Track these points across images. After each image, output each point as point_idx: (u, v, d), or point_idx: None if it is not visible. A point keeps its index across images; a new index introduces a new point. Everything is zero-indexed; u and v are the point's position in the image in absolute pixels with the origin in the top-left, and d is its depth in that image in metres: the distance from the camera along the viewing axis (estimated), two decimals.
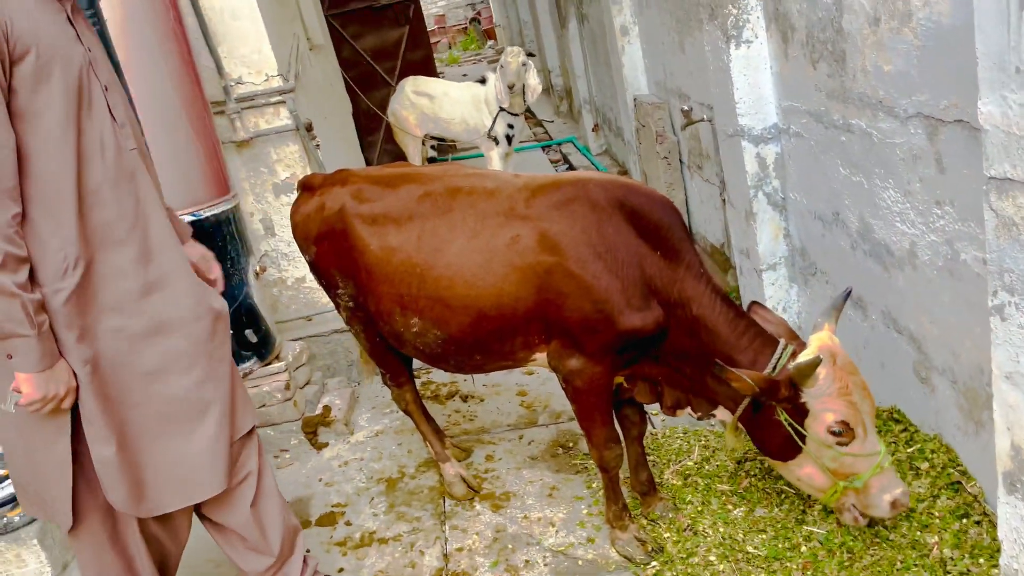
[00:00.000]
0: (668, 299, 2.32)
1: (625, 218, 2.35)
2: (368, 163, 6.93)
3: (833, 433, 2.11)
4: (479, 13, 20.46)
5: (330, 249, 2.77)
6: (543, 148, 8.80)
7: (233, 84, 3.86)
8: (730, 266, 4.29)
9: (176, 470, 2.05)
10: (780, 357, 2.18)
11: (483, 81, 5.63)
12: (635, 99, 5.35)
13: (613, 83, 6.00)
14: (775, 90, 3.23)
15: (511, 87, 5.20)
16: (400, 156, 6.49)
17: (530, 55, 5.46)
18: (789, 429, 2.17)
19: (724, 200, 4.05)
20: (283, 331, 4.03)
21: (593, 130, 7.74)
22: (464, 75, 14.71)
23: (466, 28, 20.77)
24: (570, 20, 7.51)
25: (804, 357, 2.06)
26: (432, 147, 6.08)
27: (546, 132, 9.57)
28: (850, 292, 2.21)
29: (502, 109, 5.43)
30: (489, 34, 19.05)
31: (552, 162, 8.31)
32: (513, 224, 2.44)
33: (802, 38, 2.86)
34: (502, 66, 5.28)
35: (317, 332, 4.09)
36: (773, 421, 2.20)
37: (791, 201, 3.33)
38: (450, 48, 20.43)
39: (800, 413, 2.14)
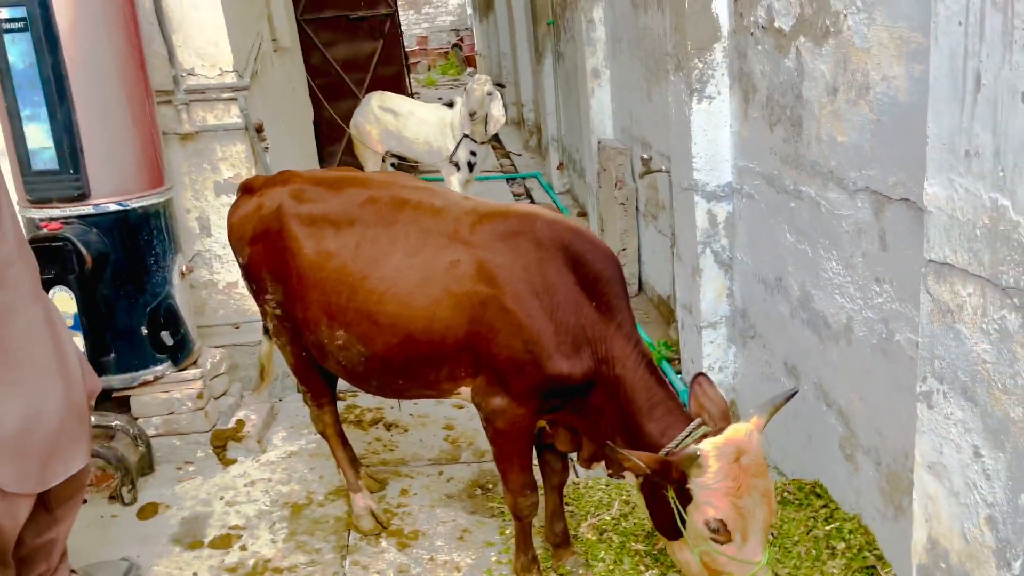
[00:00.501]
0: (595, 353, 2.24)
1: (567, 262, 2.27)
2: None
3: (709, 528, 1.99)
4: (462, 39, 20.53)
5: (264, 250, 2.64)
6: (507, 180, 8.76)
7: (184, 75, 3.71)
8: (674, 319, 4.24)
9: None
10: (687, 436, 2.09)
11: (451, 105, 5.56)
12: (599, 142, 5.33)
13: (581, 124, 5.99)
14: (732, 148, 3.21)
15: (472, 114, 5.14)
16: (358, 169, 6.35)
17: (499, 85, 5.43)
18: (675, 510, 2.07)
19: (674, 252, 4.01)
20: (207, 336, 3.85)
21: (558, 168, 7.72)
22: (439, 98, 14.67)
23: (447, 53, 20.83)
24: (546, 57, 7.52)
25: (713, 443, 1.95)
26: (392, 165, 5.96)
27: (512, 164, 9.54)
28: (795, 393, 2.11)
29: (466, 135, 5.36)
30: (469, 61, 19.11)
31: (515, 195, 8.26)
32: (455, 248, 2.35)
33: (763, 99, 2.84)
34: (467, 92, 5.22)
35: (243, 341, 3.91)
36: (662, 497, 2.10)
37: (737, 261, 3.29)
38: (429, 70, 20.43)
39: (686, 498, 2.04)
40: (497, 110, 5.20)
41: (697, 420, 2.09)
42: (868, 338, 2.30)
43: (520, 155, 9.90)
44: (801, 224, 2.65)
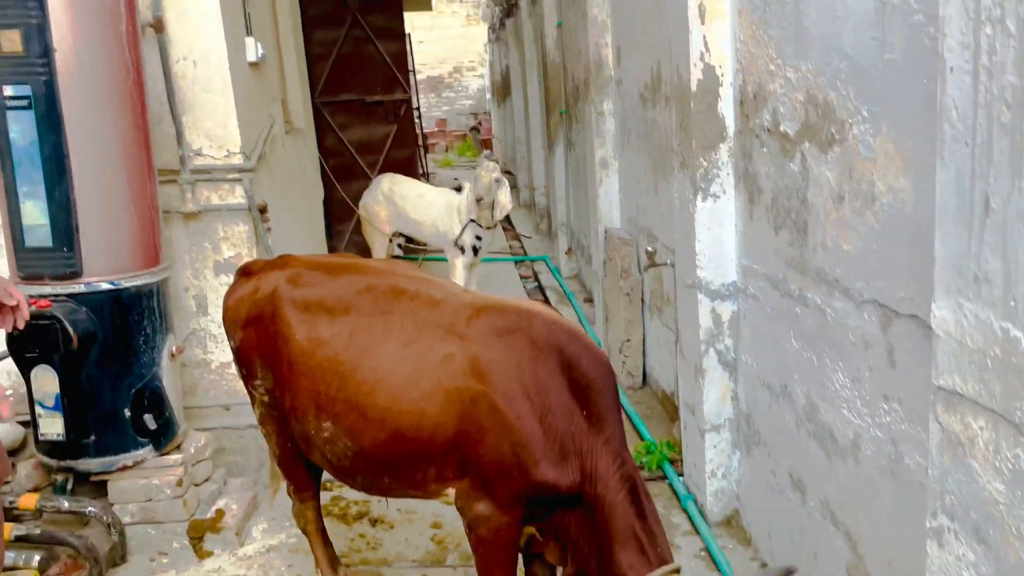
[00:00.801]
0: (582, 467, 2.12)
1: (560, 364, 2.18)
2: (332, 251, 6.79)
3: None
4: (480, 123, 20.98)
5: (256, 335, 2.57)
6: (516, 262, 8.74)
7: (192, 155, 3.73)
8: (678, 417, 4.10)
9: None
10: None
11: (459, 189, 5.58)
12: (606, 231, 5.30)
13: (589, 212, 5.98)
14: (737, 248, 3.14)
15: (479, 200, 5.14)
16: (367, 249, 6.35)
17: (507, 173, 5.44)
18: None
19: (678, 349, 3.90)
20: (195, 418, 3.75)
21: (566, 253, 7.70)
22: (455, 178, 14.89)
23: (465, 135, 21.26)
24: (557, 145, 7.60)
25: None
26: (399, 245, 5.96)
27: (522, 247, 9.55)
28: (793, 572, 1.98)
29: (472, 220, 5.36)
30: (486, 144, 19.47)
31: (523, 277, 8.23)
32: (450, 341, 2.27)
33: (768, 201, 2.78)
34: (475, 178, 5.24)
35: (232, 424, 3.81)
36: None
37: (742, 363, 3.19)
38: (447, 151, 20.82)
39: None
40: (504, 197, 5.20)
41: (672, 564, 1.97)
42: (876, 458, 2.17)
43: (530, 237, 9.92)
44: (807, 331, 2.55)
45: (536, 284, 7.95)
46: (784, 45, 2.53)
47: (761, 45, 2.71)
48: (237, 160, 3.76)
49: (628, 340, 4.94)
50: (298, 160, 5.13)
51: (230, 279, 3.85)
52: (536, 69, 8.80)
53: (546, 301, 7.26)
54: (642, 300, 4.92)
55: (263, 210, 3.87)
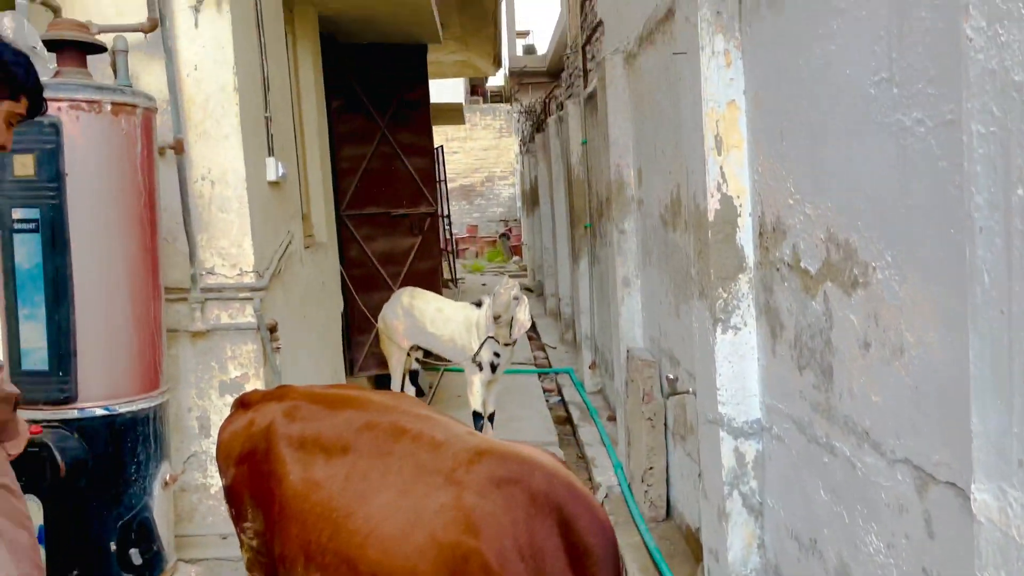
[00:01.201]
0: None
1: (558, 524, 2.00)
2: (352, 363, 6.70)
3: None
4: (510, 229, 21.27)
5: (248, 472, 2.43)
6: (540, 375, 8.57)
7: (204, 273, 3.70)
8: (702, 558, 3.82)
9: None
10: None
11: (479, 304, 5.50)
12: (628, 351, 5.14)
13: (611, 328, 5.85)
14: (761, 384, 2.97)
15: (497, 318, 5.04)
16: (385, 361, 6.26)
17: (527, 290, 5.35)
18: None
19: (701, 487, 3.67)
20: (189, 547, 3.58)
21: (590, 367, 7.52)
22: (483, 284, 14.97)
23: (495, 241, 21.53)
24: (582, 257, 7.56)
25: None
26: (417, 360, 5.84)
27: (547, 357, 9.39)
28: None
29: (491, 337, 5.25)
30: (516, 251, 19.66)
31: (545, 390, 8.04)
32: (447, 489, 2.11)
33: (790, 338, 2.63)
34: (493, 296, 5.16)
35: (228, 555, 3.61)
36: None
37: (768, 508, 2.95)
38: (477, 257, 21.04)
39: None
40: (523, 315, 5.10)
41: None
42: None
43: (555, 348, 9.77)
44: (836, 484, 2.34)
45: (559, 398, 7.74)
46: (802, 180, 2.44)
47: (779, 178, 2.62)
48: (249, 279, 3.72)
49: (651, 468, 4.69)
50: (317, 274, 5.11)
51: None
52: (562, 183, 8.89)
53: (568, 417, 7.04)
54: (665, 425, 4.70)
55: (272, 329, 3.80)
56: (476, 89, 26.06)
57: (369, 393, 2.45)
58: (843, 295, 2.21)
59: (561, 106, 8.74)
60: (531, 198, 14.86)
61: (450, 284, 14.34)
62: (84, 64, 3.01)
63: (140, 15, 3.48)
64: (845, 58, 2.10)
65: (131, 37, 3.47)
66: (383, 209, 6.71)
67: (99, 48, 3.04)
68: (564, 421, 7.07)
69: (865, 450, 2.14)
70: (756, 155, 2.83)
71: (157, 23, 3.45)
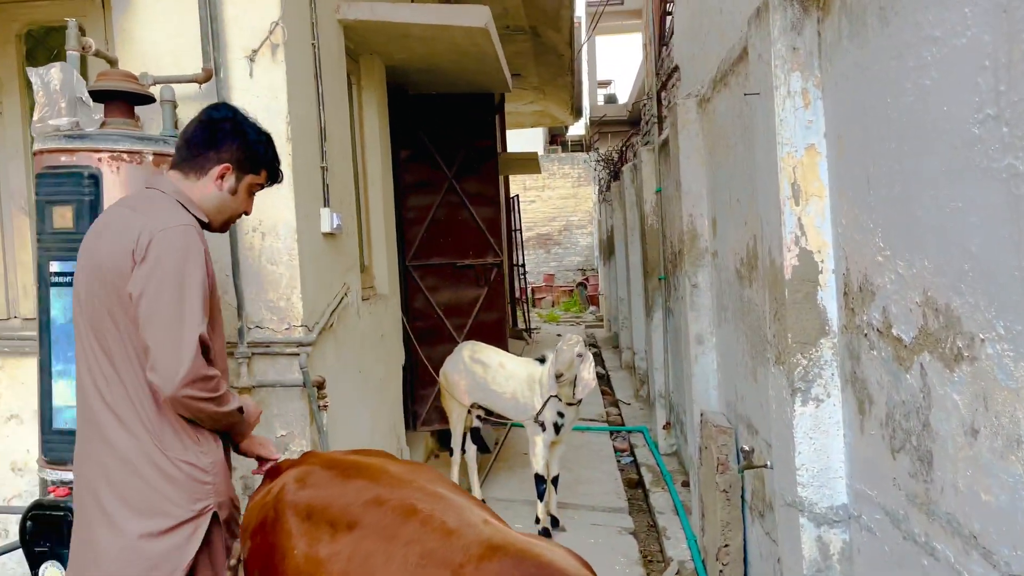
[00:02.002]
0: None
1: None
2: (414, 417, 6.52)
3: None
4: (587, 279, 20.98)
5: (260, 545, 2.24)
6: (611, 433, 8.19)
7: (252, 327, 3.59)
8: None
9: None
10: None
11: (543, 360, 5.24)
12: (702, 414, 4.78)
13: (684, 388, 5.49)
14: (847, 464, 2.60)
15: (559, 376, 4.76)
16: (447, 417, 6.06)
17: (593, 346, 5.06)
18: None
19: None
20: None
21: (664, 427, 7.12)
22: (558, 335, 14.67)
23: (572, 291, 21.26)
24: (656, 311, 7.22)
25: None
26: (478, 417, 5.60)
27: (620, 414, 9.00)
28: None
29: (555, 395, 4.97)
30: (592, 300, 19.33)
31: (617, 449, 7.65)
32: None
33: (881, 416, 2.28)
34: (556, 352, 4.89)
35: None
36: None
37: None
38: (553, 306, 20.80)
39: None
40: (587, 373, 4.81)
41: None
42: None
43: (629, 404, 9.37)
44: None
45: (631, 459, 7.35)
46: (893, 234, 2.12)
47: (866, 232, 2.30)
48: (298, 334, 3.58)
49: (726, 545, 4.29)
50: (376, 326, 4.97)
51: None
52: (637, 232, 8.61)
53: (640, 480, 6.65)
54: (742, 499, 4.30)
55: (320, 386, 3.64)
56: (556, 139, 26.14)
57: (387, 462, 2.22)
58: (944, 370, 1.87)
59: (636, 154, 8.51)
60: (608, 247, 14.60)
61: (524, 335, 14.12)
62: (131, 115, 2.97)
63: (197, 66, 3.45)
64: (942, 93, 1.80)
65: (187, 88, 3.44)
66: (449, 260, 6.58)
67: (147, 99, 2.99)
68: (636, 484, 6.67)
69: (973, 558, 1.78)
70: (839, 205, 2.52)
71: (211, 73, 3.42)
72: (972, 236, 1.71)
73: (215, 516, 2.24)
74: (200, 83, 3.40)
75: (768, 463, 3.50)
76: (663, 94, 7.27)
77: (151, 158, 2.80)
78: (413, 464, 2.21)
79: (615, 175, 11.98)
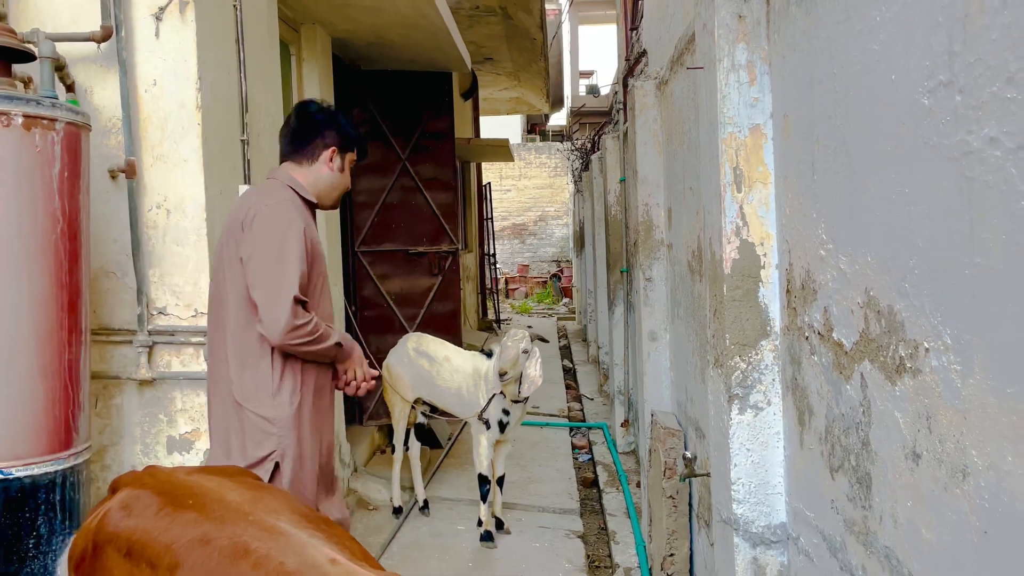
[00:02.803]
0: None
1: None
2: (361, 410, 6.22)
3: None
4: (561, 270, 20.71)
5: None
6: (571, 429, 7.94)
7: (155, 313, 3.28)
8: None
9: None
10: None
11: (491, 354, 4.94)
12: (652, 414, 4.53)
13: (637, 387, 5.24)
14: (787, 479, 2.35)
15: (503, 374, 4.47)
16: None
17: (542, 340, 4.78)
18: None
19: None
20: None
21: (622, 425, 6.88)
22: (529, 326, 14.38)
23: (546, 282, 20.99)
24: (617, 304, 6.96)
25: None
26: (423, 413, 5.31)
27: (582, 409, 8.75)
28: None
29: (498, 392, 4.69)
30: (566, 292, 19.08)
31: (576, 447, 7.41)
32: None
33: (820, 429, 2.02)
34: (501, 348, 4.59)
35: None
36: None
37: None
38: (526, 297, 20.52)
39: None
40: (534, 370, 4.52)
41: None
42: None
43: (592, 399, 9.13)
44: None
45: (589, 456, 7.11)
46: (837, 225, 1.86)
47: (810, 223, 2.04)
48: (205, 321, 3.28)
49: (671, 555, 4.04)
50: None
51: (185, 459, 3.28)
52: (602, 223, 8.34)
53: (595, 479, 6.40)
54: (690, 506, 4.06)
55: None
56: (535, 128, 25.83)
57: (228, 487, 1.89)
58: (885, 382, 1.61)
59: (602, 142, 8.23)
60: (580, 239, 14.35)
61: (494, 326, 13.84)
62: (8, 73, 2.64)
63: (97, 24, 3.13)
64: (890, 60, 1.53)
65: (86, 49, 3.12)
66: (401, 246, 6.28)
67: (25, 55, 2.67)
68: (592, 484, 6.43)
69: None
70: (784, 193, 2.26)
71: (111, 32, 3.09)
72: (918, 227, 1.44)
73: (277, 466, 2.54)
74: (98, 42, 3.09)
75: (709, 472, 3.25)
76: (629, 80, 7.00)
77: (20, 120, 2.48)
78: (258, 489, 1.90)
79: (586, 165, 11.71)
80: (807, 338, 2.11)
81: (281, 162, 2.80)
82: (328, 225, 5.06)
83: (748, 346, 2.38)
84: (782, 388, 2.35)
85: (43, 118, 2.53)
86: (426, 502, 5.35)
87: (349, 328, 5.61)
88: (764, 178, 2.34)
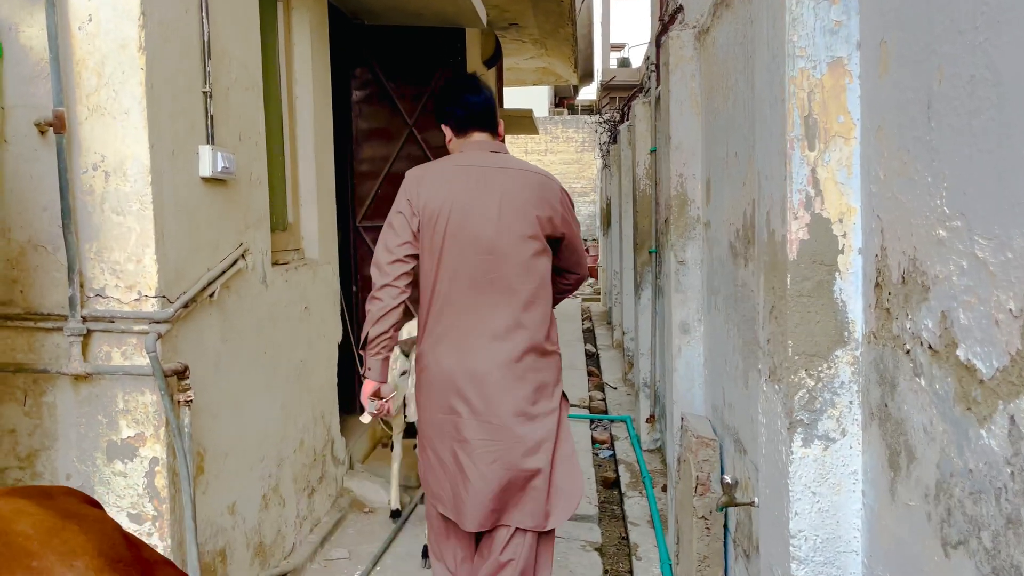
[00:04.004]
0: None
1: None
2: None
3: None
4: (587, 250, 20.04)
5: None
6: (591, 421, 7.38)
7: (92, 295, 2.76)
8: None
9: None
10: None
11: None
12: (683, 418, 3.94)
13: (666, 384, 4.65)
14: (866, 538, 1.77)
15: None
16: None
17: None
18: None
19: None
20: None
21: (648, 420, 6.30)
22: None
23: None
24: (643, 288, 6.37)
25: None
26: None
27: (604, 399, 8.17)
28: None
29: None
30: (592, 273, 18.43)
31: (596, 441, 6.85)
32: None
33: (927, 483, 1.43)
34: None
35: None
36: None
37: None
38: None
39: None
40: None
41: None
42: None
43: (616, 388, 8.55)
44: None
45: (611, 452, 6.55)
46: (971, 192, 1.26)
47: (920, 189, 1.44)
48: (150, 306, 2.75)
49: None
50: (296, 298, 4.13)
51: (127, 467, 2.78)
52: (630, 199, 7.71)
53: (616, 479, 5.85)
54: (725, 528, 3.48)
55: (181, 374, 2.82)
56: (563, 101, 25.05)
57: (23, 516, 1.33)
58: None
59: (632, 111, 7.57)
60: (606, 216, 13.71)
61: None
62: None
63: None
64: None
65: None
66: None
67: None
68: (613, 484, 5.87)
69: None
70: (877, 150, 1.65)
71: None
72: None
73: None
74: None
75: (755, 500, 2.67)
76: (662, 38, 6.34)
77: None
78: (65, 518, 1.35)
79: (614, 137, 11.04)
80: (907, 352, 1.51)
81: (472, 132, 2.97)
82: (320, 195, 4.51)
83: (818, 357, 1.78)
84: (863, 415, 1.76)
85: None
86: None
87: (349, 311, 5.07)
88: (846, 131, 1.73)
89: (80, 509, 1.46)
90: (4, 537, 1.22)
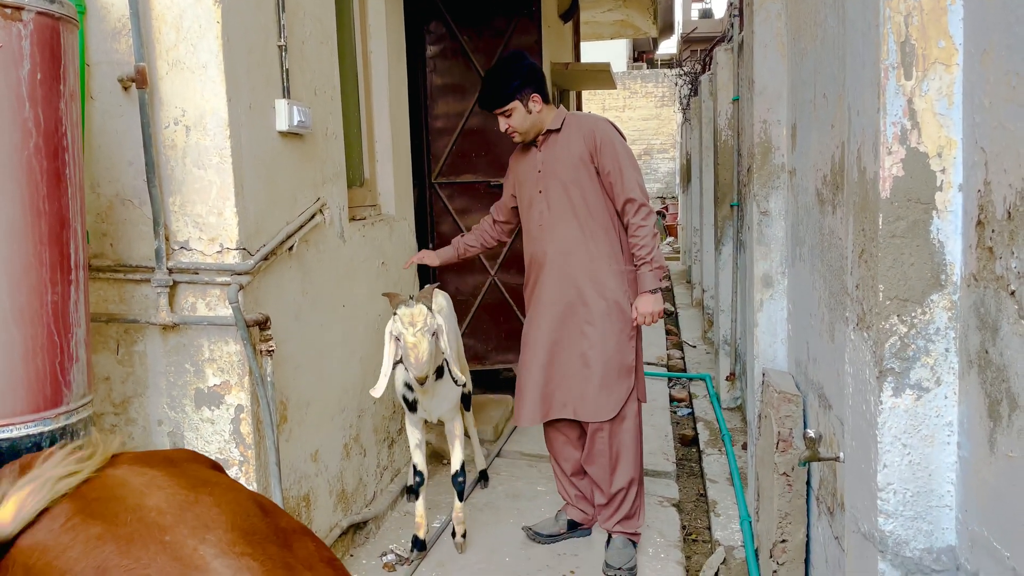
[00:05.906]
0: None
1: None
2: None
3: None
4: (666, 207, 19.60)
5: None
6: (669, 379, 7.29)
7: (176, 248, 2.84)
8: None
9: None
10: None
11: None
12: (764, 373, 3.83)
13: (747, 339, 4.52)
14: (961, 492, 1.67)
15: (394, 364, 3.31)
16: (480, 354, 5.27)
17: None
18: None
19: None
20: None
21: (728, 378, 6.18)
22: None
23: None
24: (724, 243, 6.19)
25: None
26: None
27: (683, 358, 8.05)
28: None
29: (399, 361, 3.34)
30: (671, 231, 18.10)
31: (675, 399, 6.77)
32: None
33: None
34: (395, 337, 3.27)
35: None
36: None
37: None
38: None
39: None
40: (423, 352, 3.16)
41: None
42: None
43: (695, 347, 8.41)
44: None
45: (689, 410, 6.46)
46: None
47: None
48: (231, 258, 2.82)
49: (783, 541, 3.40)
50: (374, 253, 4.18)
51: (214, 413, 2.88)
52: (711, 151, 7.47)
53: (695, 437, 5.77)
54: (807, 485, 3.38)
55: (263, 324, 2.89)
56: (642, 56, 24.43)
57: (155, 489, 1.36)
58: None
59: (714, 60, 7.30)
60: (686, 172, 13.37)
61: None
62: None
63: None
64: None
65: None
66: (482, 178, 5.69)
67: None
68: (691, 442, 5.80)
69: None
70: (982, 76, 1.52)
71: None
72: None
73: None
74: None
75: (840, 455, 2.57)
76: None
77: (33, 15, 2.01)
78: (196, 489, 1.38)
79: (695, 89, 10.70)
80: (1012, 293, 1.40)
81: (544, 102, 3.61)
82: (396, 151, 4.52)
83: (911, 302, 1.68)
84: (960, 363, 1.65)
85: (4, 5, 2.06)
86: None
87: (423, 267, 5.11)
88: (947, 56, 1.60)
89: (210, 476, 1.47)
90: (138, 512, 1.25)
